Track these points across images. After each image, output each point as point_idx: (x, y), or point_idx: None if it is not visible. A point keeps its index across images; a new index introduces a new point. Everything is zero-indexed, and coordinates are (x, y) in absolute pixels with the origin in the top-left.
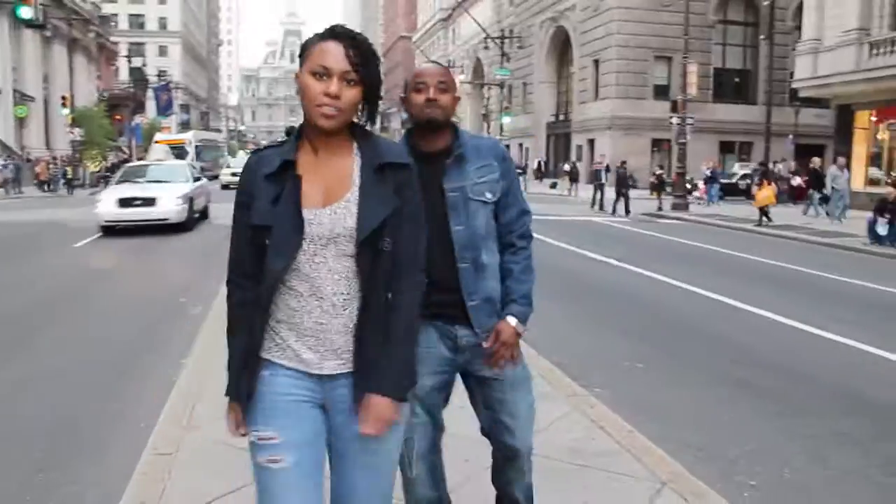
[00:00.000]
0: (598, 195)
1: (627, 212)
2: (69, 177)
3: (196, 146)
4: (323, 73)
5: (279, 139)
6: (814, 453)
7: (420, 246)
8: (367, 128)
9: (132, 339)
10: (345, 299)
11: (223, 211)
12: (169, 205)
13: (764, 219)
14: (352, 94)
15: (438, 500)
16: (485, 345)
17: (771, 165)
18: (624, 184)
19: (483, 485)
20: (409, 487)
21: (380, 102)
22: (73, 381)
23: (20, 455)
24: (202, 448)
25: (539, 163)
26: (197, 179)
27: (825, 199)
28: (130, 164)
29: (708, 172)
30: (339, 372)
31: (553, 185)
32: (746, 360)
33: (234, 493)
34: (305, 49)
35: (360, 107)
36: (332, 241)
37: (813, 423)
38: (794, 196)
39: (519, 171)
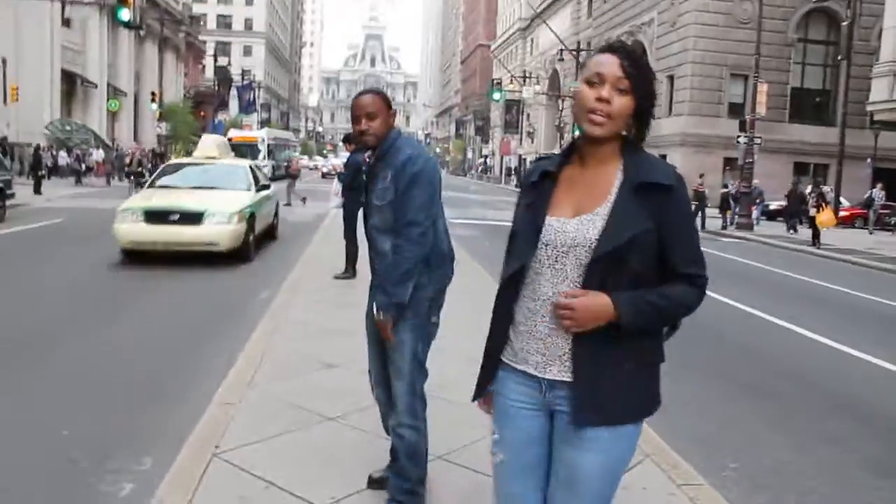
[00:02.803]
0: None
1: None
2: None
3: (269, 144)
4: (596, 81)
5: (550, 152)
6: (798, 447)
7: (696, 251)
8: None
9: (206, 314)
10: None
11: None
12: None
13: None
14: (622, 102)
15: (382, 418)
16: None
17: (827, 189)
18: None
19: (480, 448)
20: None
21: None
22: (152, 349)
23: (111, 398)
24: (260, 400)
25: None
26: None
27: None
28: None
29: (733, 191)
30: (559, 379)
31: None
32: (759, 367)
33: (284, 434)
34: (585, 65)
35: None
36: (572, 249)
37: (804, 423)
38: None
39: None
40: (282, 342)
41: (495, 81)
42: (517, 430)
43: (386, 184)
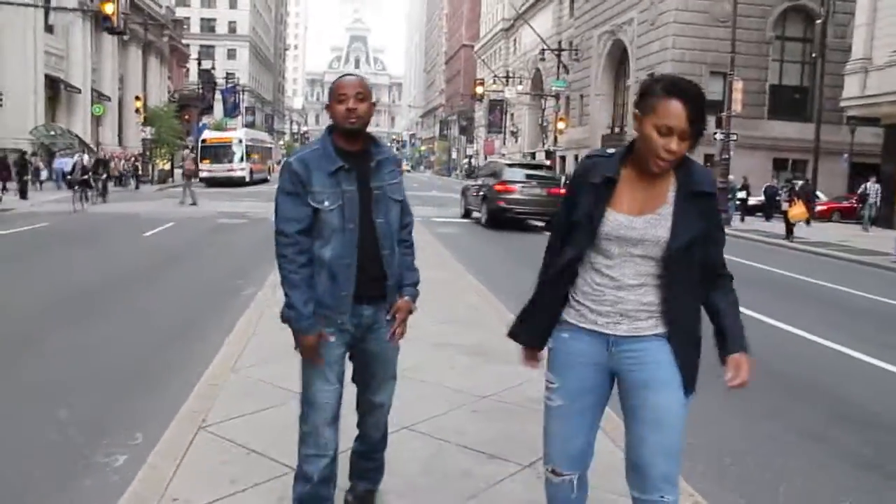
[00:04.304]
0: None
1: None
2: (139, 173)
3: (247, 145)
4: (666, 133)
5: (607, 150)
6: (743, 422)
7: (722, 255)
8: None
9: (193, 309)
10: (640, 284)
11: None
12: None
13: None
14: (685, 145)
15: (333, 460)
16: (388, 317)
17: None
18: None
19: (439, 421)
20: (309, 440)
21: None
22: (143, 340)
23: (106, 384)
24: (243, 382)
25: None
26: None
27: None
28: None
29: None
30: (629, 335)
31: None
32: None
33: (264, 410)
34: (647, 96)
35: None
36: (640, 242)
37: (749, 398)
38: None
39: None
40: (264, 331)
41: (477, 81)
42: (576, 380)
43: (397, 178)
